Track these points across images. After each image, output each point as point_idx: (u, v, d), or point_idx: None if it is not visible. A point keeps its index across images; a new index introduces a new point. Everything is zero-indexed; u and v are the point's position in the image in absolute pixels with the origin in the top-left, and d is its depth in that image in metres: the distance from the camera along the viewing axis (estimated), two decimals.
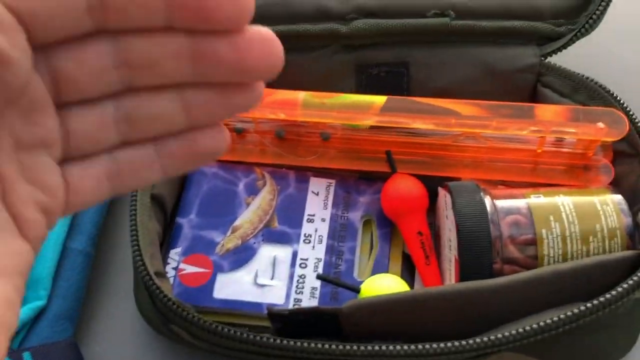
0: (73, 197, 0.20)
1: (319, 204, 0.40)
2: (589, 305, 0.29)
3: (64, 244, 0.39)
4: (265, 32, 0.19)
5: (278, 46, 0.19)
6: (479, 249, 0.32)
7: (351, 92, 0.40)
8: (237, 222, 0.39)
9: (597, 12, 0.40)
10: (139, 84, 0.19)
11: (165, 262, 0.37)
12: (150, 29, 0.18)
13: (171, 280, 0.37)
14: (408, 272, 0.38)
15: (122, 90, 0.20)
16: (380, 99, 0.38)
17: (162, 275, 0.35)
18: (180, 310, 0.32)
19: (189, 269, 0.37)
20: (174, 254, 0.38)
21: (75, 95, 0.19)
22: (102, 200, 0.21)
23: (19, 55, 0.16)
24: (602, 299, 0.29)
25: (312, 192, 0.40)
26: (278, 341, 0.30)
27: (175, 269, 0.37)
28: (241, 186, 0.40)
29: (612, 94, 0.37)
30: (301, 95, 0.39)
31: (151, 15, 0.18)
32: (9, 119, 0.17)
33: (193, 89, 0.20)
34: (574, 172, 0.38)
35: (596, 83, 0.38)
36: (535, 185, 0.37)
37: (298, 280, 0.37)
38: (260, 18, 0.40)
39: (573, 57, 0.42)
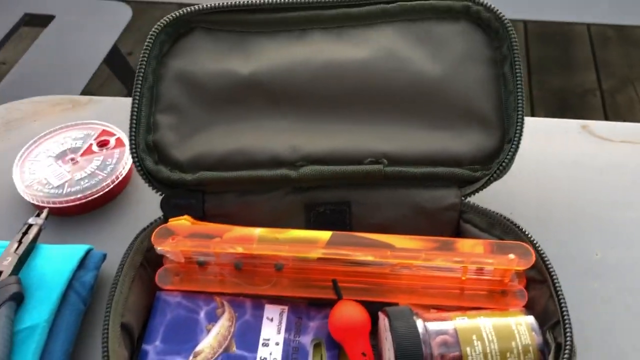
0: None
1: (273, 329, 0.44)
2: None
3: None
4: None
5: None
6: None
7: (301, 227, 0.46)
8: (198, 348, 0.43)
9: (506, 160, 0.47)
10: None
11: None
12: None
13: None
14: None
15: None
16: (326, 234, 0.44)
17: None
18: None
19: None
20: None
21: None
22: None
23: None
24: None
25: (267, 318, 0.44)
26: None
27: None
28: (202, 314, 0.44)
29: (522, 229, 0.44)
30: (257, 231, 0.44)
31: None
32: None
33: None
34: (493, 297, 0.43)
35: (508, 220, 0.45)
36: (462, 309, 0.42)
37: None
38: (223, 166, 0.47)
39: (493, 194, 0.49)
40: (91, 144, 0.63)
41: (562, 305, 0.39)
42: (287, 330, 0.44)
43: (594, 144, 0.60)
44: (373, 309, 0.43)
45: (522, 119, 0.48)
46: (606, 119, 1.76)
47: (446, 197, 0.47)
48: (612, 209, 0.54)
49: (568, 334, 0.37)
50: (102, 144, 0.63)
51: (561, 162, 0.58)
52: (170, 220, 0.46)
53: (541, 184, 0.57)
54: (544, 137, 0.60)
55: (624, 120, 1.70)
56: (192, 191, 0.48)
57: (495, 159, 0.48)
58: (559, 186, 0.56)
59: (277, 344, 0.43)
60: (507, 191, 0.53)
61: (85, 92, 1.91)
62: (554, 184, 0.57)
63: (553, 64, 1.95)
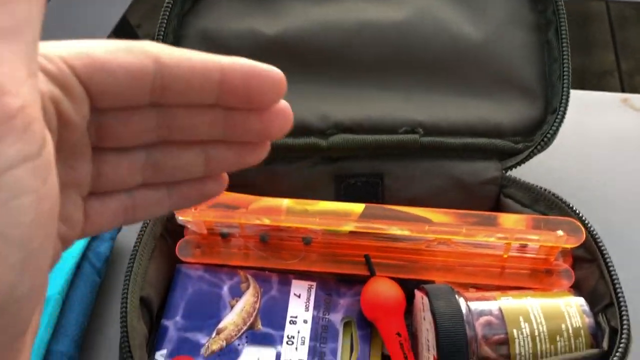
0: (89, 227, 0.21)
1: (300, 306, 0.41)
2: None
3: (48, 347, 0.39)
4: (284, 105, 0.22)
5: (291, 115, 0.22)
6: (457, 349, 0.34)
7: (330, 200, 0.43)
8: (221, 324, 0.40)
9: (551, 132, 0.44)
10: (172, 140, 0.22)
11: None
12: (197, 105, 0.21)
13: None
14: None
15: (156, 143, 0.22)
16: (358, 207, 0.41)
17: None
18: None
19: None
20: (160, 355, 0.39)
21: (114, 145, 0.21)
22: (113, 228, 0.23)
23: (79, 120, 0.19)
24: None
25: (294, 294, 0.42)
26: None
27: None
28: (225, 289, 0.42)
29: (569, 205, 0.41)
30: (285, 202, 0.41)
31: (203, 97, 0.21)
32: None
33: (216, 146, 0.23)
34: (537, 276, 0.41)
35: (554, 194, 0.42)
36: (502, 288, 0.40)
37: None
38: None
39: (535, 169, 0.46)
40: None
41: (617, 285, 0.36)
42: (316, 307, 0.41)
43: (636, 117, 0.57)
44: (408, 287, 0.40)
45: (568, 89, 0.45)
46: None
47: (486, 170, 0.44)
48: None
49: (625, 317, 0.35)
50: None
51: (602, 136, 0.55)
52: None
53: (582, 159, 0.53)
54: (583, 111, 0.57)
55: None
56: None
57: (539, 130, 0.45)
58: (600, 162, 0.53)
59: (305, 321, 0.41)
60: (545, 167, 0.50)
61: None
62: (595, 159, 0.53)
63: (572, 44, 1.90)
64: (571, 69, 0.45)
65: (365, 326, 0.41)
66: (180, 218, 0.41)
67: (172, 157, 0.22)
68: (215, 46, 0.46)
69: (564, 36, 0.45)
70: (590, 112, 0.57)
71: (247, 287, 0.42)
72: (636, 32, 1.94)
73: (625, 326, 0.34)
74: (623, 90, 1.75)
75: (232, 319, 0.40)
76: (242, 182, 0.45)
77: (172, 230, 0.43)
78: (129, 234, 0.48)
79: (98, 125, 0.20)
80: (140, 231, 0.41)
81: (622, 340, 0.33)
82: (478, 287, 0.41)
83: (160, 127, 0.21)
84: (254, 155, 0.23)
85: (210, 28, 0.46)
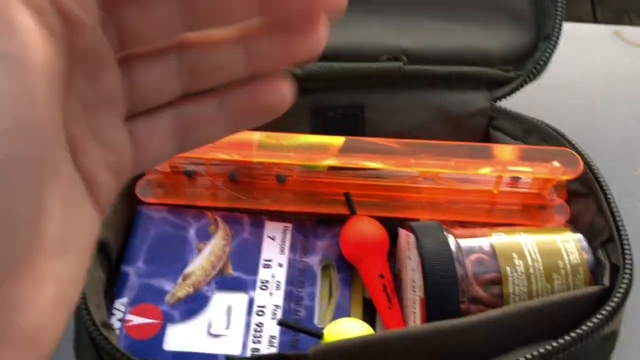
0: (140, 154, 0.19)
1: (275, 249, 0.38)
2: (559, 342, 0.29)
3: None
4: None
5: None
6: (446, 288, 0.31)
7: (307, 134, 0.40)
8: (188, 269, 0.37)
9: (543, 59, 0.41)
10: (203, 29, 0.19)
11: (110, 314, 0.35)
12: None
13: (117, 332, 0.34)
14: (369, 318, 0.37)
15: (185, 42, 0.19)
16: (338, 140, 0.37)
17: (108, 326, 0.32)
18: None
19: (137, 320, 0.35)
20: (120, 304, 0.35)
21: (139, 47, 0.18)
22: (169, 157, 0.20)
23: (88, 19, 0.16)
24: (572, 335, 0.29)
25: (268, 236, 0.38)
26: None
27: (122, 320, 0.35)
28: (192, 231, 0.38)
29: (564, 136, 0.38)
30: (256, 135, 0.38)
31: None
32: (74, 80, 0.16)
33: (255, 37, 0.19)
34: (530, 212, 0.38)
35: (547, 125, 0.39)
36: (492, 225, 0.37)
37: (255, 329, 0.35)
38: None
39: (525, 101, 0.43)
40: None
41: (617, 219, 0.34)
42: (292, 250, 0.38)
43: (628, 50, 0.54)
44: (391, 226, 0.37)
45: (562, 13, 0.42)
46: None
47: (474, 101, 0.41)
48: None
49: (627, 251, 0.32)
50: None
51: (594, 69, 0.52)
52: None
53: (572, 92, 0.50)
54: (573, 43, 0.54)
55: None
56: None
57: (530, 58, 0.42)
58: (591, 96, 0.50)
59: (280, 265, 0.37)
60: (534, 100, 0.47)
61: None
62: (586, 93, 0.50)
63: None
64: None
65: (345, 269, 0.38)
66: None
67: (206, 56, 0.19)
68: None
69: None
70: (580, 44, 0.54)
71: (216, 230, 0.38)
72: None
73: (628, 260, 0.31)
74: None
75: (200, 263, 0.37)
76: None
77: None
78: None
79: (116, 26, 0.17)
80: None
81: (626, 276, 0.31)
82: (467, 226, 0.38)
83: (185, 12, 0.18)
84: (304, 43, 0.19)
85: None
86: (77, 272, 0.16)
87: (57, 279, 0.16)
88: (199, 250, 0.37)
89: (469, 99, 0.41)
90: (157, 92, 0.19)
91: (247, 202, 0.39)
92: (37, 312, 0.15)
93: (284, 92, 0.20)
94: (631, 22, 1.81)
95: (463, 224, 0.38)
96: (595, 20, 1.80)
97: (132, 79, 0.18)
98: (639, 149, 0.47)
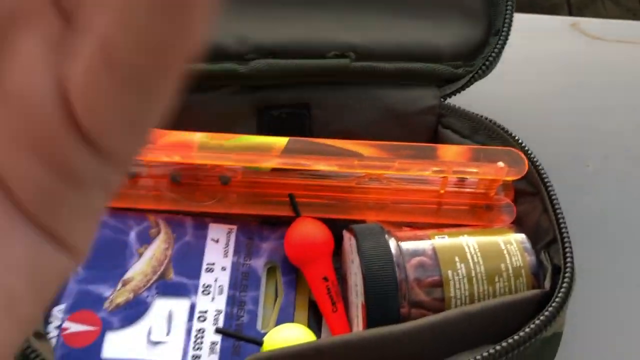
0: None
1: (219, 252, 0.37)
2: (498, 347, 0.29)
3: None
4: None
5: None
6: (385, 293, 0.31)
7: (252, 134, 0.39)
8: (128, 275, 0.36)
9: (493, 55, 0.41)
10: None
11: (47, 321, 0.34)
12: None
13: (53, 341, 0.33)
14: (315, 321, 0.36)
15: None
16: (281, 141, 0.36)
17: (41, 336, 0.31)
18: None
19: (74, 327, 0.34)
20: (58, 311, 0.34)
21: None
22: None
23: None
24: (511, 340, 0.29)
25: (212, 239, 0.38)
26: None
27: (59, 327, 0.34)
28: (132, 235, 0.37)
29: (511, 134, 0.38)
30: (197, 136, 0.37)
31: None
32: None
33: None
34: (476, 212, 0.37)
35: (494, 123, 0.39)
36: (439, 226, 0.36)
37: (196, 335, 0.34)
38: None
39: (473, 99, 0.42)
40: None
41: (560, 219, 0.33)
42: (236, 253, 0.37)
43: (585, 43, 0.53)
44: (337, 228, 0.37)
45: (512, 8, 0.41)
46: None
47: (423, 98, 0.40)
48: (603, 114, 0.48)
49: (568, 254, 0.32)
50: None
51: (549, 63, 0.52)
52: None
53: (527, 87, 0.50)
54: (529, 36, 0.53)
55: None
56: None
57: (480, 54, 0.41)
58: (546, 90, 0.50)
59: (223, 268, 0.37)
60: (487, 95, 0.46)
61: None
62: (540, 87, 0.50)
63: None
64: None
65: (290, 271, 0.37)
66: None
67: None
68: None
69: None
70: (537, 36, 0.53)
71: (158, 233, 0.37)
72: None
73: (569, 263, 0.31)
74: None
75: (141, 268, 0.36)
76: None
77: None
78: None
79: None
80: None
81: (566, 279, 0.31)
82: (413, 226, 0.38)
83: None
84: None
85: None
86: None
87: None
88: (140, 255, 0.36)
89: (418, 97, 0.40)
90: None
91: (190, 205, 0.38)
92: None
93: None
94: (604, 8, 1.82)
95: (411, 225, 0.38)
96: (568, 5, 1.80)
97: None
98: (591, 144, 0.47)
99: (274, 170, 0.38)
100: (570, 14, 1.75)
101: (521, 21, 0.53)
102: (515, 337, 0.29)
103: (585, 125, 0.48)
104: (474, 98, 0.41)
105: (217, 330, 0.33)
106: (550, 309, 0.29)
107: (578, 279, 0.31)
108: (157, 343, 0.34)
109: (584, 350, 0.37)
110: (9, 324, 0.13)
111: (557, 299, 0.30)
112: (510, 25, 0.41)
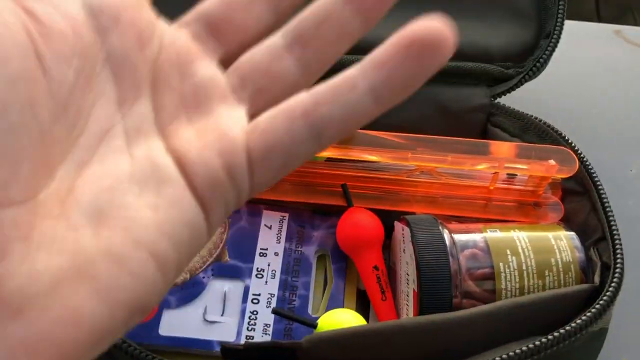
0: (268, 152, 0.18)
1: (271, 238, 0.38)
2: (549, 338, 0.29)
3: None
4: None
5: None
6: (439, 282, 0.32)
7: None
8: None
9: (544, 57, 0.41)
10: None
11: None
12: None
13: None
14: (363, 309, 0.37)
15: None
16: None
17: None
18: (126, 346, 0.29)
19: None
20: None
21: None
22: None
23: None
24: (561, 331, 0.29)
25: (265, 225, 0.39)
26: None
27: None
28: None
29: (561, 134, 0.38)
30: None
31: None
32: (162, 77, 0.19)
33: None
34: (524, 209, 0.38)
35: (545, 123, 0.39)
36: (487, 221, 0.37)
37: (250, 317, 0.35)
38: None
39: (523, 98, 0.43)
40: None
41: (610, 218, 0.34)
42: (288, 239, 0.38)
43: (629, 50, 0.54)
44: (387, 219, 0.38)
45: (564, 12, 0.42)
46: None
47: (474, 97, 0.41)
48: None
49: (619, 251, 0.32)
50: None
51: (593, 68, 0.52)
52: None
53: (572, 91, 0.51)
54: (575, 42, 0.54)
55: None
56: None
57: (530, 56, 0.42)
58: (591, 95, 0.51)
59: (276, 254, 0.38)
60: (534, 97, 0.47)
61: None
62: (585, 92, 0.51)
63: None
64: None
65: (340, 259, 0.38)
66: None
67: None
68: None
69: None
70: (581, 42, 0.54)
71: None
72: None
73: (619, 260, 0.32)
74: None
75: None
76: None
77: None
78: None
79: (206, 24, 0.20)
80: None
81: (616, 275, 0.31)
82: (462, 221, 0.38)
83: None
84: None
85: None
86: (128, 254, 0.15)
87: (77, 251, 0.15)
88: None
89: (469, 95, 0.41)
90: (273, 77, 0.19)
91: None
92: (29, 281, 0.14)
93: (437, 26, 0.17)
94: (635, 21, 1.81)
95: (459, 219, 0.39)
96: (598, 17, 1.80)
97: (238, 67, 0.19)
98: (634, 149, 0.47)
99: (328, 159, 0.39)
100: None
101: (568, 26, 0.53)
102: (565, 329, 0.30)
103: (629, 130, 0.48)
104: (524, 98, 0.42)
105: (274, 311, 0.34)
106: (601, 302, 0.30)
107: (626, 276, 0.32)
108: (212, 322, 0.35)
109: (629, 345, 0.38)
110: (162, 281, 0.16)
111: (607, 294, 0.31)
112: (561, 29, 0.42)
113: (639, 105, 0.50)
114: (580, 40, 0.54)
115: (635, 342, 0.38)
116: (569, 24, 0.55)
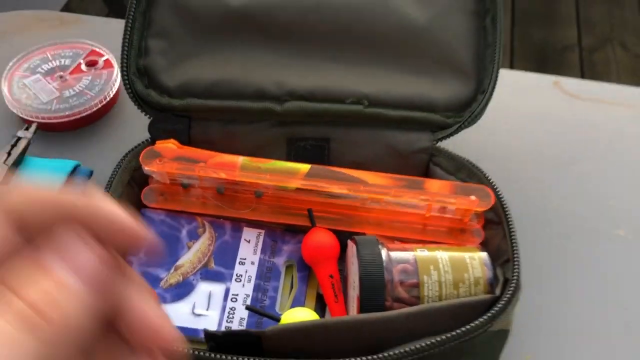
0: None
1: (249, 250, 0.48)
2: (453, 333, 0.39)
3: None
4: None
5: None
6: (375, 290, 0.41)
7: (282, 159, 0.49)
8: (179, 262, 0.46)
9: (478, 109, 0.51)
10: None
11: None
12: None
13: None
14: (320, 309, 0.46)
15: None
16: (305, 167, 0.47)
17: None
18: None
19: None
20: None
21: None
22: None
23: None
24: (463, 329, 0.39)
25: (245, 239, 0.48)
26: (212, 355, 0.38)
27: None
28: (184, 232, 0.48)
29: (484, 174, 0.48)
30: (240, 159, 0.47)
31: None
32: None
33: None
34: (453, 233, 0.47)
35: (473, 165, 0.49)
36: (423, 242, 0.46)
37: (229, 312, 0.45)
38: (209, 94, 0.49)
39: (461, 143, 0.52)
40: (80, 63, 0.64)
41: (514, 244, 0.43)
42: (263, 251, 0.48)
43: (563, 100, 0.63)
44: (343, 237, 0.47)
45: (497, 72, 0.51)
46: (582, 76, 1.80)
47: (419, 140, 0.51)
48: (571, 162, 0.58)
49: (516, 270, 0.42)
50: (91, 64, 0.64)
51: (531, 115, 0.62)
52: (157, 143, 0.49)
53: (509, 135, 0.60)
54: (517, 91, 0.63)
55: (600, 79, 1.74)
56: (179, 116, 0.50)
57: (468, 108, 0.51)
58: (525, 138, 0.60)
59: (252, 263, 0.47)
60: (476, 139, 0.57)
61: (65, 8, 1.87)
62: (521, 135, 0.60)
63: (537, 17, 1.97)
64: (517, 46, 0.51)
65: (304, 269, 0.48)
66: (146, 168, 0.47)
67: None
68: (185, 12, 0.51)
69: (497, 24, 0.51)
70: (521, 92, 0.64)
71: (204, 232, 0.48)
72: (600, 9, 2.01)
73: (515, 275, 0.41)
74: (582, 66, 1.83)
75: (189, 258, 0.47)
76: (203, 138, 0.50)
77: (138, 179, 0.48)
78: (99, 181, 0.53)
79: None
80: (110, 177, 0.47)
81: (511, 287, 0.41)
82: (403, 241, 0.48)
83: None
84: None
85: None
86: None
87: None
88: (189, 248, 0.47)
89: (415, 139, 0.51)
90: None
91: (230, 212, 0.48)
92: None
93: None
94: (613, 50, 1.91)
95: (401, 239, 0.48)
96: (579, 46, 1.90)
97: None
98: (559, 186, 0.57)
99: (298, 189, 0.48)
100: (581, 56, 1.85)
101: (513, 75, 0.63)
102: (467, 327, 0.39)
103: (554, 169, 0.58)
104: (461, 142, 0.52)
105: (247, 307, 0.43)
106: (496, 308, 0.39)
107: (527, 290, 0.42)
108: (199, 315, 0.44)
109: (531, 345, 0.47)
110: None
111: (501, 302, 0.40)
112: (494, 86, 0.51)
113: (566, 149, 0.59)
114: (521, 90, 0.64)
115: (537, 343, 0.47)
116: (514, 74, 0.65)
